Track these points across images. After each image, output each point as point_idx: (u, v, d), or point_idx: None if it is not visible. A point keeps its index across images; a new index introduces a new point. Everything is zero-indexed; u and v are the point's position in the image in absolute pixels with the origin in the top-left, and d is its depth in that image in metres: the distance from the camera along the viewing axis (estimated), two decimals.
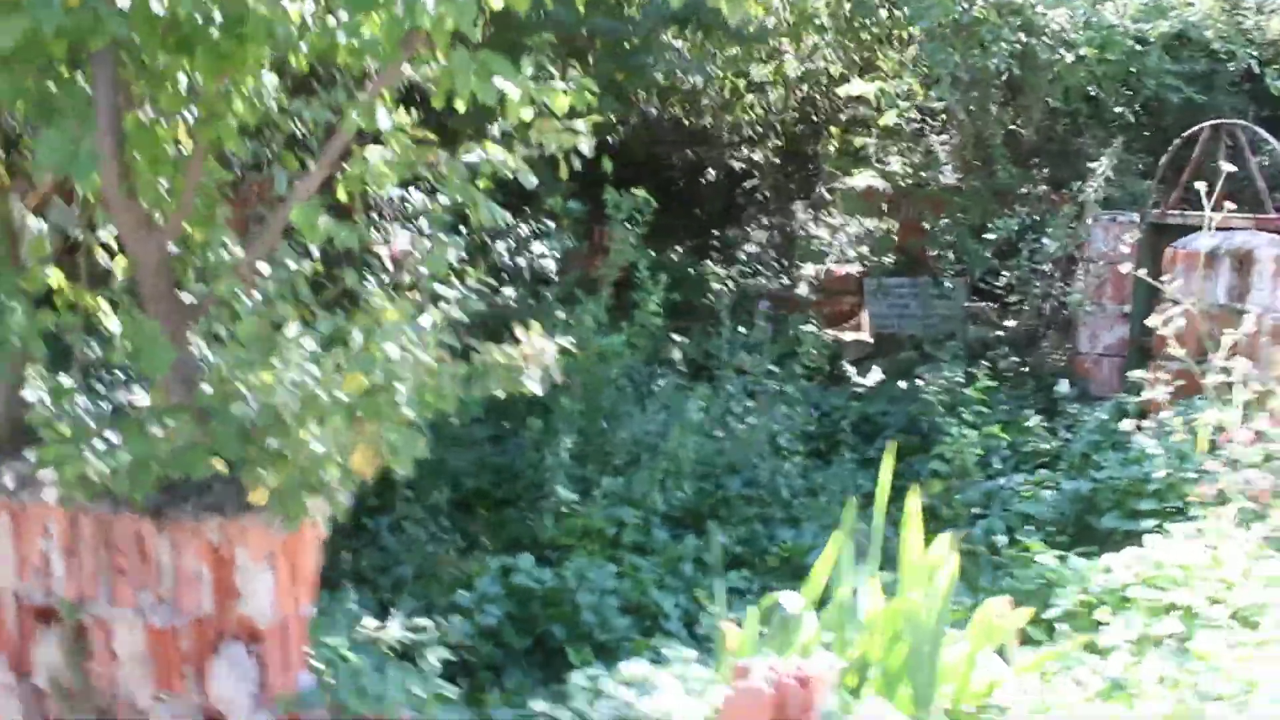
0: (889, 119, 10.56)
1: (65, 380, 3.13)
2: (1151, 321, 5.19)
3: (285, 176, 3.19)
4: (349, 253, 3.97)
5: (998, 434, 6.00)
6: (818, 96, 12.30)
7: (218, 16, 2.47)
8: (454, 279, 4.42)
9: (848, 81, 10.95)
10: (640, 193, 6.68)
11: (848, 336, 10.27)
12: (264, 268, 3.18)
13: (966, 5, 7.50)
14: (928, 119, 10.51)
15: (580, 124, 2.92)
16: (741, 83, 12.68)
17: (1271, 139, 6.24)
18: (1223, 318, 5.59)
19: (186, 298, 3.20)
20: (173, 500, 2.98)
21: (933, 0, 7.13)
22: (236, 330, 2.58)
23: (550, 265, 9.13)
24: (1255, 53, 8.05)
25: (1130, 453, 5.46)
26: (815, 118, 12.52)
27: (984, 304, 9.55)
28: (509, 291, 9.67)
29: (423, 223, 9.45)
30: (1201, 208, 6.73)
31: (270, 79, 3.27)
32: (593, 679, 3.58)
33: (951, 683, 3.16)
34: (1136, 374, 5.63)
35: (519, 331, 2.67)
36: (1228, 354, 4.82)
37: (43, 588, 3.15)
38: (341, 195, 2.91)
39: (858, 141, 11.16)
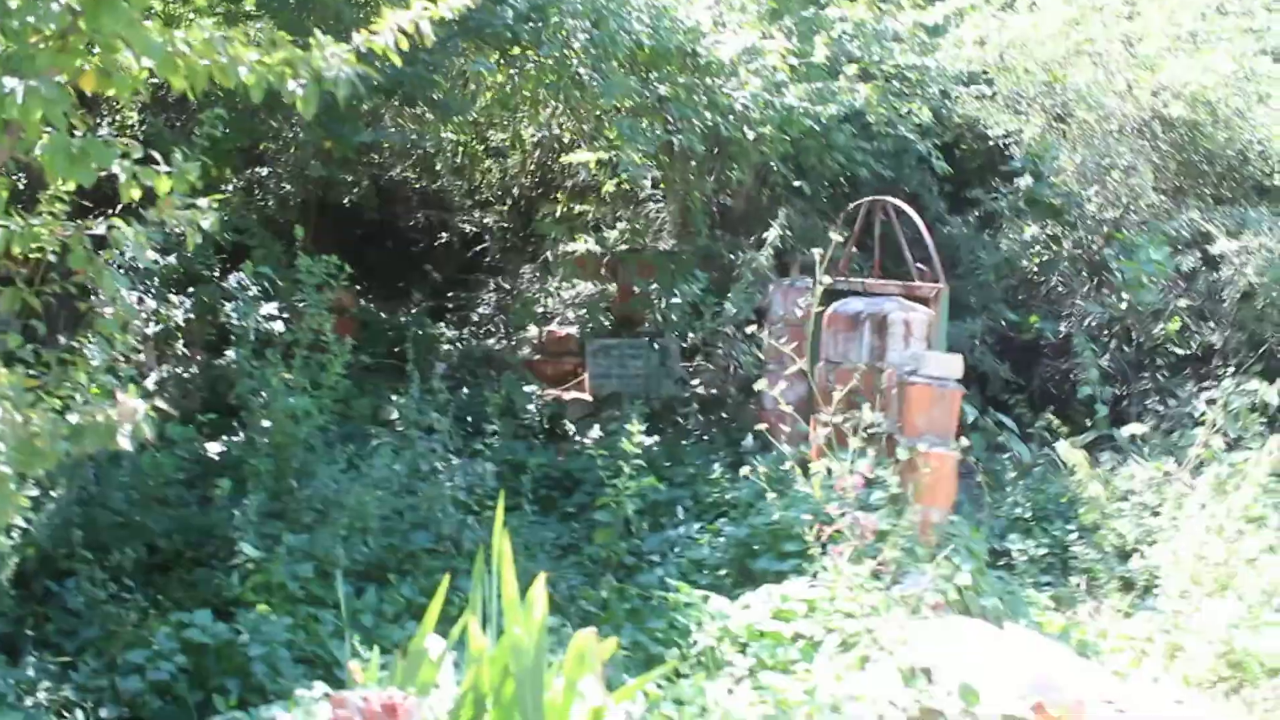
0: (610, 186, 11.14)
1: None
2: (760, 385, 5.76)
3: None
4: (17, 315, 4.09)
5: (655, 484, 6.46)
6: (549, 162, 12.81)
7: None
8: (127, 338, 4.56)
9: (575, 149, 11.46)
10: (333, 258, 6.93)
11: (569, 396, 10.69)
12: None
13: (655, 86, 8.09)
14: (647, 187, 11.11)
15: (204, 201, 3.17)
16: (479, 147, 13.10)
17: (913, 214, 6.99)
18: (867, 374, 6.22)
19: None
20: None
21: (615, 81, 7.67)
22: None
23: (278, 326, 9.20)
24: (915, 134, 8.93)
25: (783, 500, 5.98)
26: (547, 183, 13.03)
27: (693, 363, 10.14)
28: (231, 353, 9.70)
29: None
30: (869, 275, 7.44)
31: None
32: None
33: (556, 713, 3.50)
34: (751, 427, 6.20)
35: (118, 392, 2.89)
36: (838, 408, 5.40)
37: None
38: None
39: (581, 207, 11.70)
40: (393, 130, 9.89)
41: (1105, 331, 9.69)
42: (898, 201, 7.19)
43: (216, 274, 10.68)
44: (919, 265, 6.97)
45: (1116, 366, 9.38)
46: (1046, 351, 10.38)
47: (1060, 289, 10.63)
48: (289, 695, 4.66)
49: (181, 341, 10.21)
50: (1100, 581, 6.51)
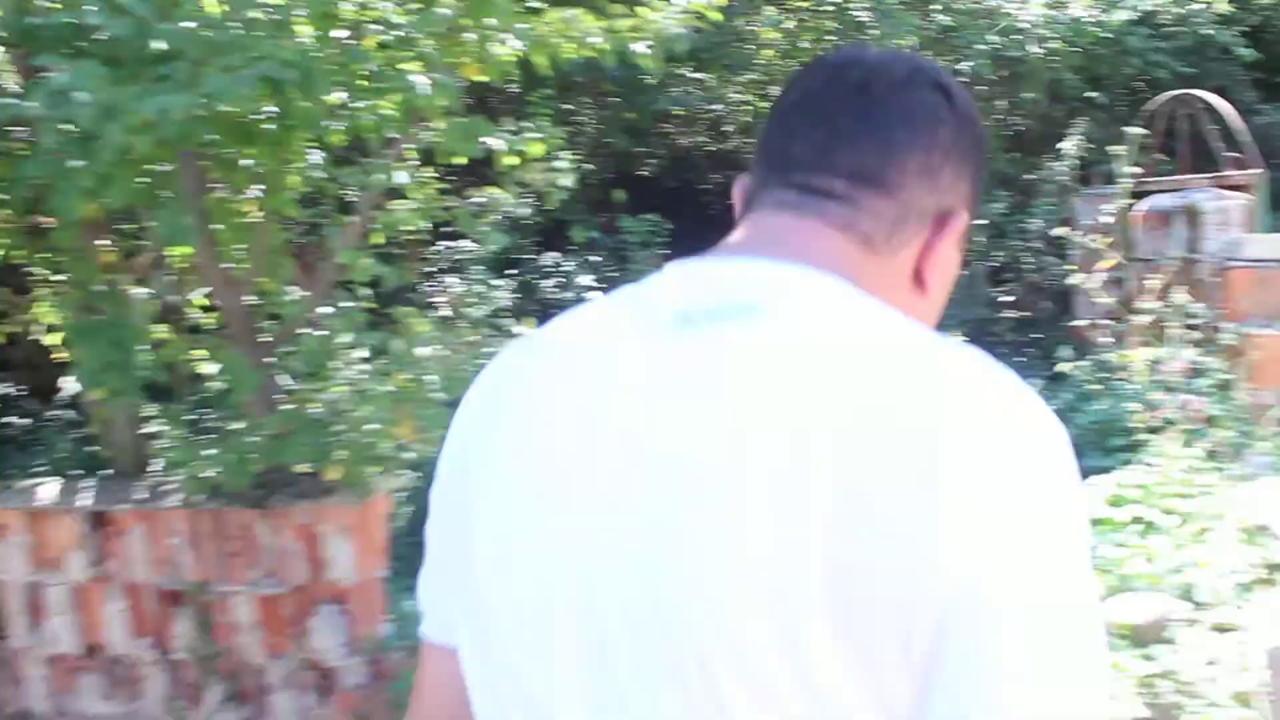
0: None
1: (175, 409, 3.98)
2: (1075, 279, 5.83)
3: (338, 233, 4.01)
4: (399, 292, 4.79)
5: None
6: None
7: (271, 111, 3.29)
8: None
9: None
10: (653, 217, 7.43)
11: None
12: (327, 309, 4.02)
13: (937, 17, 8.21)
14: None
15: (561, 163, 3.70)
16: (765, 105, 13.44)
17: (1223, 105, 6.84)
18: (1184, 267, 6.20)
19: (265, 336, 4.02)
20: (269, 493, 3.80)
21: (898, 18, 7.85)
22: (300, 350, 3.38)
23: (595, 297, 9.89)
24: (1214, 27, 8.64)
25: (1106, 397, 6.07)
26: None
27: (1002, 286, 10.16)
28: None
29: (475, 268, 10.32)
30: (1173, 173, 7.35)
31: (317, 155, 4.10)
32: None
33: None
34: (1073, 324, 6.26)
35: (516, 326, 3.45)
36: (1157, 296, 5.44)
37: (173, 576, 3.97)
38: (379, 239, 3.71)
39: None
40: (683, 95, 10.39)
41: None
42: (1201, 93, 7.05)
43: (529, 256, 11.52)
44: (1231, 155, 6.83)
45: None
46: None
47: None
48: None
49: (510, 320, 11.05)
50: None
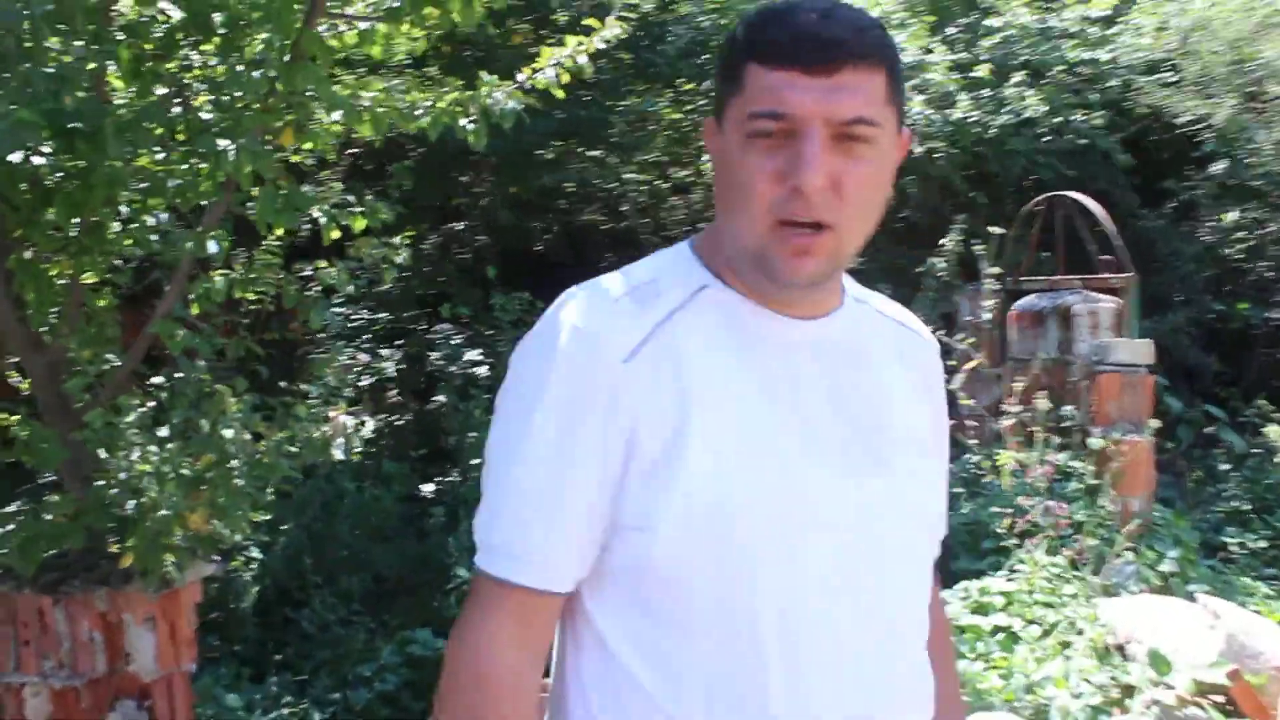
0: None
1: None
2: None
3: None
4: (242, 361, 4.51)
5: None
6: None
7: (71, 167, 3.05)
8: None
9: None
10: (524, 294, 7.27)
11: None
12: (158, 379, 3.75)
13: None
14: None
15: (395, 240, 3.50)
16: (664, 186, 13.40)
17: (1096, 208, 6.89)
18: (1056, 369, 6.17)
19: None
20: (66, 577, 3.49)
21: None
22: (87, 424, 3.10)
23: (481, 370, 9.68)
24: (1093, 134, 8.79)
25: (977, 499, 5.99)
26: None
27: None
28: (440, 397, 10.21)
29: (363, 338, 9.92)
30: (1053, 272, 7.37)
31: (161, 216, 3.85)
32: None
33: None
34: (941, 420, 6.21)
35: (331, 410, 3.22)
36: (1025, 400, 5.39)
37: None
38: (195, 310, 3.47)
39: None
40: (573, 173, 10.30)
41: None
42: (1078, 195, 7.10)
43: (422, 327, 11.26)
44: (1104, 257, 6.87)
45: None
46: (1259, 341, 9.97)
47: (1269, 274, 10.21)
48: None
49: (394, 391, 10.82)
50: None
